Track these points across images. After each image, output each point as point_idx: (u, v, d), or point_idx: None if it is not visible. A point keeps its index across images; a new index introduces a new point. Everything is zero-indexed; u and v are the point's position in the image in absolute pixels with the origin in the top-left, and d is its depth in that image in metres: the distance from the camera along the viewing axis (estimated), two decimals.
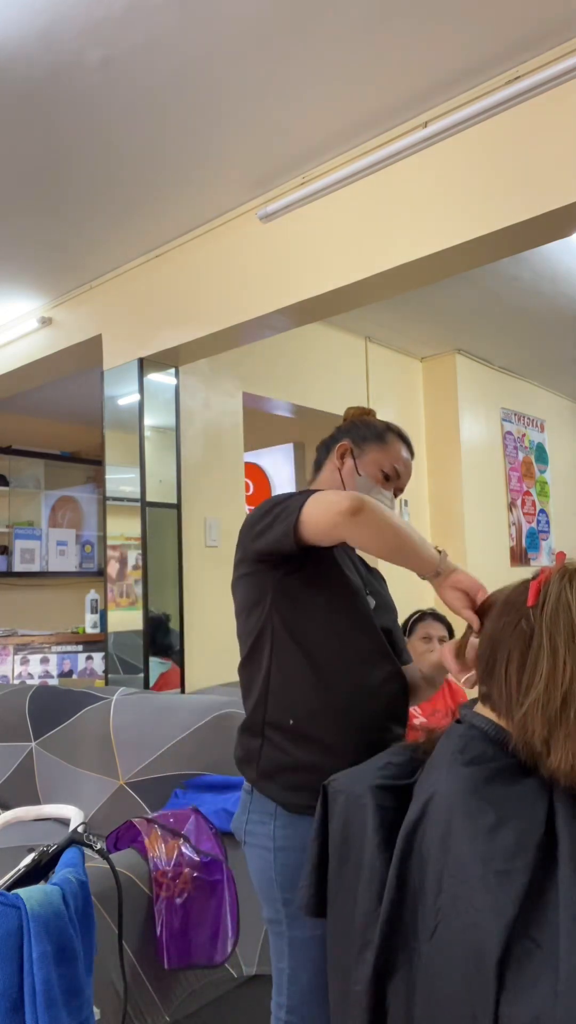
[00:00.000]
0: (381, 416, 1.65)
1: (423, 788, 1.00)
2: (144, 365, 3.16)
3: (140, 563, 3.06)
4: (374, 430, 1.57)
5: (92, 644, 3.53)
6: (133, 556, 3.11)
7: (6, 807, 2.35)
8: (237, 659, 1.46)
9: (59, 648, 3.52)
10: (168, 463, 3.21)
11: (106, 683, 3.19)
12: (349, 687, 1.35)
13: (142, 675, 3.03)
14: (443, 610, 3.20)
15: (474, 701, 1.10)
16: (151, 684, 3.03)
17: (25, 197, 2.62)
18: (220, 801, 2.04)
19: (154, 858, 1.80)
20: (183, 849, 1.85)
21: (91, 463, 5.76)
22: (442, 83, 2.10)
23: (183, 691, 3.12)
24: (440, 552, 1.29)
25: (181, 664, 3.15)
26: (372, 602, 1.48)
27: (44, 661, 3.50)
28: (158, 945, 1.75)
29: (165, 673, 3.08)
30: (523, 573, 1.08)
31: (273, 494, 6.54)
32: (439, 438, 4.61)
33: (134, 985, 1.71)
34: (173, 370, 3.26)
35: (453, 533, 4.51)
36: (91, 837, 1.17)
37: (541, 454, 5.36)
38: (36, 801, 2.51)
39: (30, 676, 3.47)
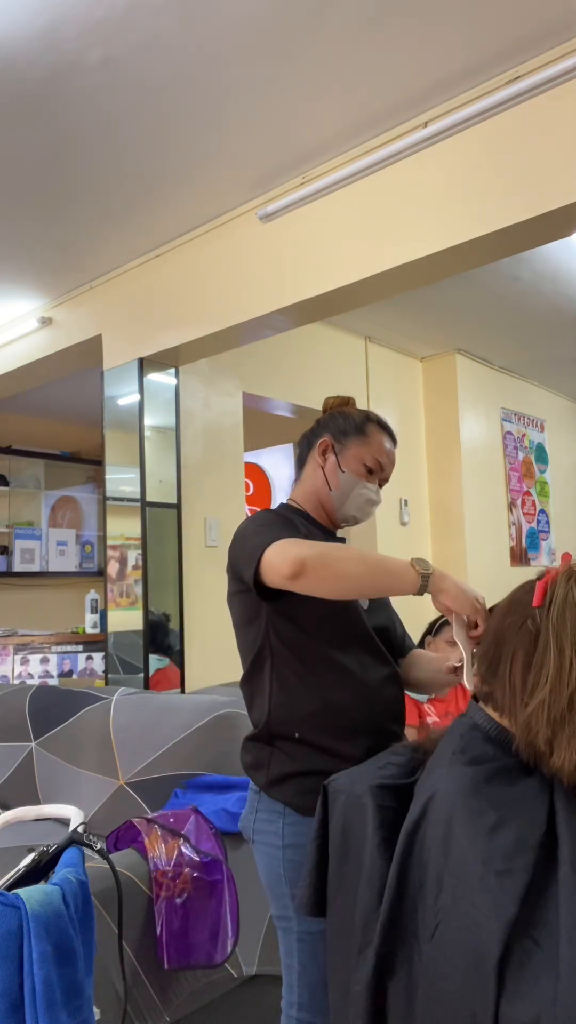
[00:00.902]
0: (381, 416, 1.64)
1: (423, 788, 1.00)
2: (144, 365, 3.16)
3: (140, 563, 3.06)
4: (353, 423, 1.54)
5: (92, 644, 3.53)
6: (133, 556, 3.11)
7: (6, 807, 2.35)
8: (237, 659, 1.46)
9: (59, 648, 3.52)
10: (168, 463, 3.21)
11: (106, 683, 3.19)
12: (348, 696, 1.36)
13: (142, 675, 3.03)
14: None
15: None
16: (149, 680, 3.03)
17: (25, 197, 2.62)
18: (220, 801, 2.04)
19: (154, 858, 1.80)
20: (183, 849, 1.85)
21: (91, 463, 5.76)
22: (442, 83, 2.10)
23: (183, 691, 3.12)
24: (418, 568, 1.22)
25: (181, 664, 3.15)
26: (365, 603, 1.47)
27: (44, 661, 3.50)
28: (158, 945, 1.75)
29: (163, 669, 3.08)
30: (523, 573, 1.08)
31: (272, 495, 6.52)
32: (439, 438, 4.61)
33: (134, 985, 1.71)
34: (173, 370, 3.26)
35: (453, 533, 4.51)
36: (91, 837, 1.17)
37: (541, 454, 5.36)
38: (36, 801, 2.51)
39: (30, 676, 3.47)
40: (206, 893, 1.82)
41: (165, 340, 3.04)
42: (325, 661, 1.37)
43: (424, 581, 1.21)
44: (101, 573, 4.09)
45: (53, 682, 3.44)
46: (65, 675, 3.50)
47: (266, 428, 4.71)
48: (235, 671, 1.51)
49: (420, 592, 1.23)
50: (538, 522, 5.18)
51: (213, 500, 3.39)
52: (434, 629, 2.82)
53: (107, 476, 3.28)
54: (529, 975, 0.80)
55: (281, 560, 1.22)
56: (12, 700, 2.79)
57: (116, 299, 3.26)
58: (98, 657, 3.47)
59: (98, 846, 1.16)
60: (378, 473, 1.53)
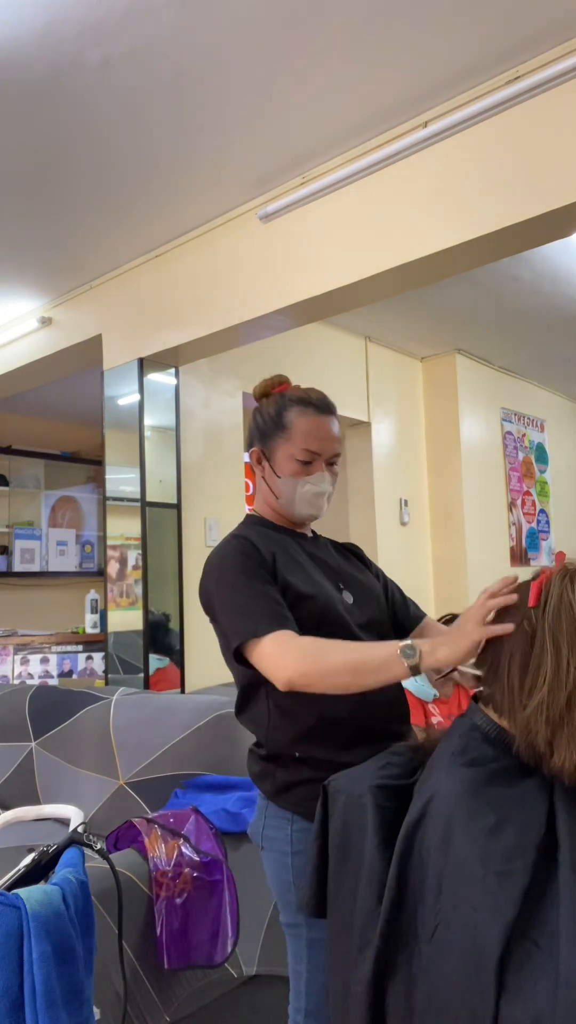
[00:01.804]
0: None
1: (423, 788, 1.00)
2: (144, 365, 3.16)
3: (140, 563, 3.06)
4: (270, 418, 1.42)
5: (92, 644, 3.53)
6: (133, 556, 3.11)
7: (6, 807, 2.35)
8: None
9: (59, 648, 3.52)
10: (168, 463, 3.21)
11: (106, 683, 3.19)
12: (344, 707, 1.30)
13: (142, 675, 3.03)
14: (440, 607, 3.20)
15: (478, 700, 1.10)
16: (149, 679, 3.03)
17: (25, 197, 2.62)
18: (220, 801, 2.04)
19: (154, 858, 1.80)
20: (183, 849, 1.85)
21: (91, 463, 5.76)
22: (442, 83, 2.10)
23: (183, 691, 3.12)
24: (405, 660, 1.12)
25: (181, 664, 3.15)
26: (350, 598, 1.42)
27: (44, 661, 3.50)
28: (158, 945, 1.75)
29: (163, 669, 3.08)
30: (523, 573, 1.08)
31: None
32: (439, 438, 4.61)
33: (134, 985, 1.71)
34: (173, 370, 3.26)
35: (453, 533, 4.51)
36: (91, 837, 1.17)
37: (541, 454, 5.36)
38: (36, 801, 2.51)
39: (30, 676, 3.47)
40: (206, 893, 1.82)
41: (165, 340, 3.04)
42: None
43: (414, 670, 1.13)
44: (101, 573, 4.09)
45: (53, 682, 3.44)
46: (65, 675, 3.50)
47: None
48: None
49: (407, 675, 1.15)
50: (538, 522, 5.18)
51: (213, 500, 3.39)
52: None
53: (107, 476, 3.28)
54: (529, 976, 0.80)
55: (272, 673, 1.22)
56: (12, 700, 2.79)
57: (116, 299, 3.26)
58: (98, 657, 3.47)
59: (98, 846, 1.16)
60: (318, 458, 1.40)
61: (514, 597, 1.04)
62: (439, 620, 1.60)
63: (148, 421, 3.16)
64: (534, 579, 1.03)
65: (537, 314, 3.93)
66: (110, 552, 3.22)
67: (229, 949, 1.82)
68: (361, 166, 2.33)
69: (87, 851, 1.18)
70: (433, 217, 2.23)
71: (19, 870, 1.11)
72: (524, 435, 5.17)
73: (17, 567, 5.32)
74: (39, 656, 3.50)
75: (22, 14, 1.81)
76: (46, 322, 3.56)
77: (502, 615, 1.05)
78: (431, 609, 3.57)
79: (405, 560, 4.36)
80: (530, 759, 0.97)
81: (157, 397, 3.21)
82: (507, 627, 1.03)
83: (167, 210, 2.75)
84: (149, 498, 3.11)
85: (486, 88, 2.10)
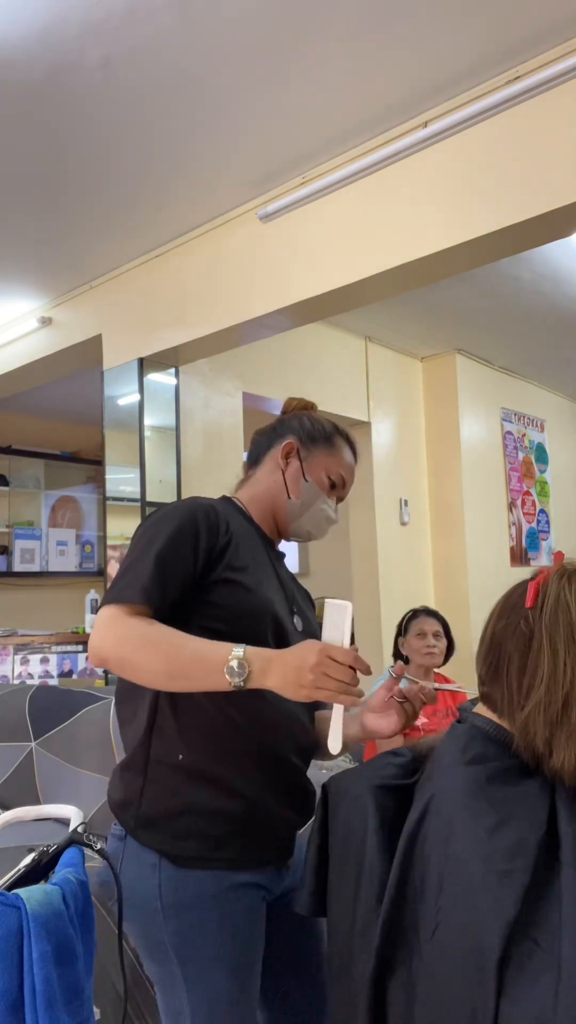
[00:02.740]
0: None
1: (424, 788, 1.00)
2: (144, 365, 3.16)
3: None
4: (323, 431, 1.40)
5: None
6: None
7: (6, 807, 2.34)
8: None
9: (59, 648, 3.52)
10: (168, 463, 3.21)
11: (106, 683, 3.19)
12: (258, 720, 1.17)
13: None
14: (440, 607, 3.20)
15: (474, 701, 1.10)
16: None
17: (25, 197, 2.62)
18: None
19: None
20: None
21: (91, 463, 5.76)
22: (442, 83, 2.10)
23: None
24: (229, 678, 1.00)
25: None
26: (300, 624, 1.31)
27: (44, 661, 3.50)
28: None
29: None
30: (523, 573, 1.08)
31: None
32: (439, 438, 4.61)
33: (134, 985, 1.71)
34: (173, 370, 3.26)
35: (453, 533, 4.51)
36: (91, 837, 1.17)
37: (541, 454, 5.36)
38: (36, 801, 2.51)
39: (30, 676, 3.47)
40: None
41: (165, 340, 3.04)
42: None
43: (237, 686, 1.01)
44: (101, 573, 4.09)
45: (53, 682, 3.44)
46: (65, 675, 3.49)
47: None
48: None
49: (228, 687, 1.02)
50: (538, 522, 5.18)
51: None
52: (403, 628, 2.83)
53: (107, 476, 3.28)
54: (529, 975, 0.80)
55: (91, 643, 1.11)
56: (12, 700, 2.79)
57: (116, 299, 3.26)
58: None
59: (98, 846, 1.16)
60: (339, 490, 1.40)
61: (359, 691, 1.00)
62: (403, 616, 1.52)
63: (148, 421, 3.16)
64: (532, 579, 1.03)
65: (537, 314, 3.93)
66: (110, 552, 3.22)
67: None
68: (361, 166, 2.33)
69: (87, 851, 1.17)
70: (433, 217, 2.23)
71: (19, 870, 1.11)
72: (524, 435, 5.17)
73: (17, 567, 5.32)
74: (39, 656, 3.50)
75: (22, 14, 1.81)
76: (46, 322, 3.56)
77: (501, 615, 1.05)
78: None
79: (405, 560, 4.36)
80: (529, 759, 0.97)
81: (157, 397, 3.21)
82: (339, 709, 1.02)
83: (167, 210, 2.75)
84: (149, 498, 3.11)
85: (486, 88, 2.10)
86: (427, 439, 4.66)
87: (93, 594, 3.70)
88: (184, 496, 3.22)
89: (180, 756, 1.15)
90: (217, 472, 3.45)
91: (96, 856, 1.15)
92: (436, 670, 2.78)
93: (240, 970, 1.16)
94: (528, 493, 5.12)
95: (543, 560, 5.16)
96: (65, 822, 1.37)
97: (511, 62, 2.03)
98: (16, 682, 3.43)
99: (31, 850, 1.14)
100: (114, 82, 2.05)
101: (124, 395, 3.24)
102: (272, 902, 1.24)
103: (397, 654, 2.80)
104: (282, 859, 1.24)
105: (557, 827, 0.91)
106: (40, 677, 3.47)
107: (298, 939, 1.30)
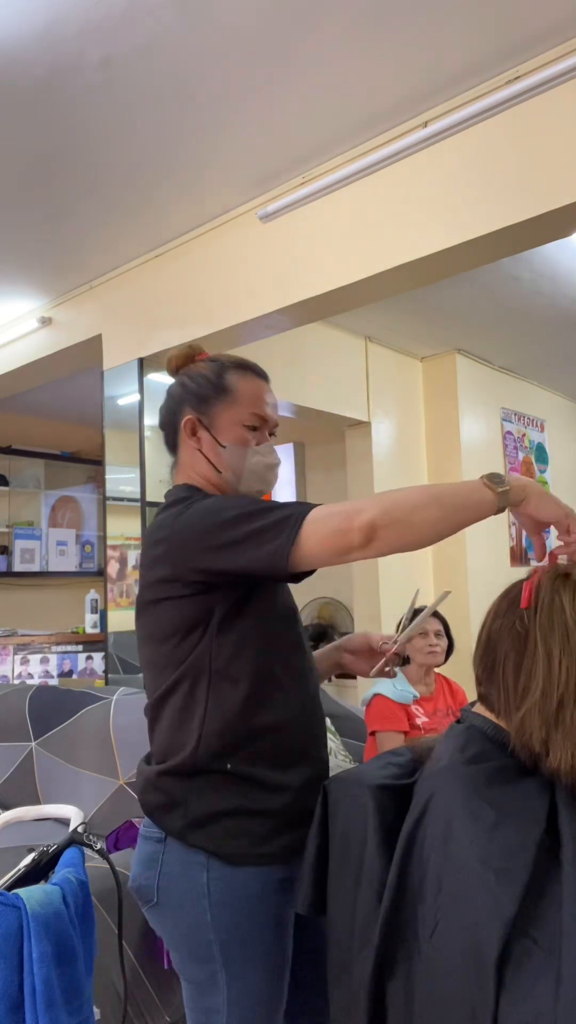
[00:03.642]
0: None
1: (423, 788, 1.00)
2: (144, 365, 3.16)
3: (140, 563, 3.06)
4: (210, 382, 1.27)
5: (92, 644, 3.53)
6: (133, 556, 3.11)
7: (6, 807, 2.35)
8: None
9: (59, 648, 3.52)
10: (168, 463, 3.21)
11: (106, 683, 3.19)
12: (289, 717, 1.18)
13: (142, 675, 3.02)
14: (440, 606, 3.19)
15: (474, 703, 1.10)
16: None
17: (25, 197, 2.62)
18: None
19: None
20: None
21: (91, 463, 5.76)
22: (442, 83, 2.10)
23: None
24: (494, 487, 1.05)
25: None
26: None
27: (44, 661, 3.50)
28: (158, 945, 1.75)
29: None
30: (523, 573, 1.08)
31: (272, 493, 6.49)
32: (439, 438, 4.60)
33: (134, 985, 1.71)
34: None
35: None
36: (91, 837, 1.17)
37: (541, 454, 5.36)
38: (36, 801, 2.51)
39: (30, 676, 3.47)
40: None
41: (165, 340, 3.04)
42: (270, 675, 1.17)
43: (503, 501, 1.06)
44: (101, 573, 4.09)
45: (53, 682, 3.44)
46: (65, 675, 3.49)
47: None
48: None
49: (496, 511, 1.07)
50: None
51: None
52: (402, 627, 2.77)
53: (107, 476, 3.28)
54: (528, 974, 0.80)
55: (346, 524, 1.02)
56: (12, 700, 2.79)
57: (116, 299, 3.26)
58: (98, 657, 3.47)
59: (98, 846, 1.16)
60: (265, 427, 1.28)
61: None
62: (400, 620, 1.53)
63: (148, 421, 3.16)
64: (527, 580, 1.04)
65: (537, 314, 3.93)
66: (110, 552, 3.22)
67: None
68: (361, 166, 2.33)
69: (87, 851, 1.18)
70: (433, 217, 2.23)
71: (19, 870, 1.11)
72: (524, 435, 5.16)
73: (17, 567, 5.33)
74: (39, 656, 3.50)
75: (22, 14, 1.81)
76: (46, 322, 3.56)
77: (496, 615, 1.05)
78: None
79: (405, 560, 4.36)
80: (527, 759, 0.97)
81: (157, 397, 3.19)
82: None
83: (167, 210, 2.75)
84: (149, 498, 3.11)
85: (486, 88, 2.10)
86: (427, 439, 4.66)
87: (93, 594, 3.70)
88: None
89: (228, 765, 1.15)
90: None
91: (96, 856, 1.16)
92: (436, 670, 2.78)
93: (276, 969, 1.18)
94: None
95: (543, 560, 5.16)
96: (65, 822, 1.37)
97: (511, 62, 2.03)
98: (16, 682, 3.43)
99: (31, 850, 1.14)
100: (114, 82, 2.05)
101: (124, 395, 3.24)
102: None
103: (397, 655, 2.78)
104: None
105: (557, 826, 0.92)
106: (40, 677, 3.47)
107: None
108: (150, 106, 2.16)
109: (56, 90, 2.08)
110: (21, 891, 1.03)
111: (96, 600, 3.66)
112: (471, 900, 0.86)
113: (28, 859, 1.13)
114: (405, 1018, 0.90)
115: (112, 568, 3.20)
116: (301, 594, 3.69)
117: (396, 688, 2.54)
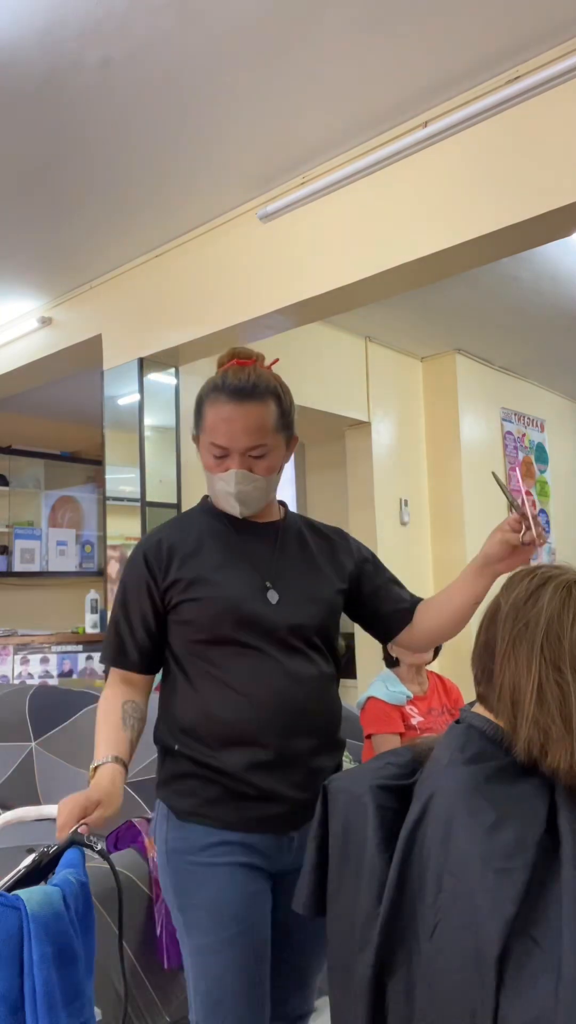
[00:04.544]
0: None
1: (423, 787, 1.00)
2: (144, 365, 3.16)
3: None
4: (197, 405, 1.32)
5: (92, 644, 3.53)
6: None
7: (6, 807, 2.35)
8: None
9: (59, 648, 3.52)
10: (168, 463, 3.21)
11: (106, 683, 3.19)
12: (230, 707, 1.28)
13: None
14: None
15: (473, 703, 1.10)
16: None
17: (25, 197, 2.62)
18: None
19: (154, 858, 1.80)
20: None
21: (91, 463, 5.76)
22: (442, 83, 2.10)
23: None
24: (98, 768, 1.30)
25: None
26: (275, 597, 1.31)
27: (44, 661, 3.50)
28: (158, 945, 1.75)
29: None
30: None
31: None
32: (439, 438, 4.61)
33: (134, 985, 1.71)
34: (173, 370, 3.26)
35: (453, 533, 4.50)
36: (91, 837, 1.17)
37: (541, 454, 5.36)
38: (36, 801, 2.51)
39: (30, 676, 3.47)
40: None
41: (165, 340, 3.04)
42: (205, 670, 1.30)
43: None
44: (101, 573, 4.09)
45: (53, 682, 3.44)
46: (65, 675, 3.49)
47: None
48: None
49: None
50: None
51: None
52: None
53: (107, 476, 3.28)
54: (528, 974, 0.80)
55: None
56: (12, 700, 2.79)
57: (116, 299, 3.26)
58: (98, 657, 3.47)
59: (98, 846, 1.16)
60: (228, 453, 1.26)
61: None
62: (508, 502, 1.51)
63: (148, 421, 3.16)
64: (524, 578, 1.04)
65: (537, 314, 3.93)
66: (110, 552, 3.22)
67: None
68: (361, 166, 2.33)
69: (87, 851, 1.17)
70: (433, 217, 2.23)
71: (19, 871, 1.11)
72: (524, 435, 5.17)
73: (17, 567, 5.33)
74: (39, 656, 3.50)
75: (22, 14, 1.81)
76: (46, 322, 3.56)
77: (493, 620, 1.05)
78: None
79: (405, 560, 4.36)
80: (526, 759, 0.97)
81: (157, 397, 3.21)
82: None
83: (167, 210, 2.75)
84: (149, 498, 3.11)
85: (486, 88, 2.10)
86: (427, 439, 4.66)
87: (93, 594, 3.70)
88: (184, 496, 3.23)
89: (176, 746, 1.33)
90: None
91: (96, 856, 1.15)
92: (428, 667, 2.77)
93: (227, 921, 1.24)
94: (528, 493, 5.12)
95: (542, 559, 5.15)
96: None
97: (511, 62, 2.03)
98: (16, 682, 3.43)
99: (31, 851, 1.14)
100: (113, 82, 2.05)
101: (124, 395, 3.24)
102: (279, 876, 1.32)
103: (388, 658, 2.73)
104: (274, 828, 1.30)
105: (557, 825, 0.92)
106: (40, 677, 3.47)
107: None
108: (150, 106, 2.16)
109: (56, 90, 2.08)
110: (21, 892, 1.03)
111: (96, 600, 3.66)
112: (471, 900, 0.86)
113: (28, 860, 1.13)
114: (405, 1018, 0.90)
115: (112, 568, 3.20)
116: None
117: (388, 690, 2.52)
